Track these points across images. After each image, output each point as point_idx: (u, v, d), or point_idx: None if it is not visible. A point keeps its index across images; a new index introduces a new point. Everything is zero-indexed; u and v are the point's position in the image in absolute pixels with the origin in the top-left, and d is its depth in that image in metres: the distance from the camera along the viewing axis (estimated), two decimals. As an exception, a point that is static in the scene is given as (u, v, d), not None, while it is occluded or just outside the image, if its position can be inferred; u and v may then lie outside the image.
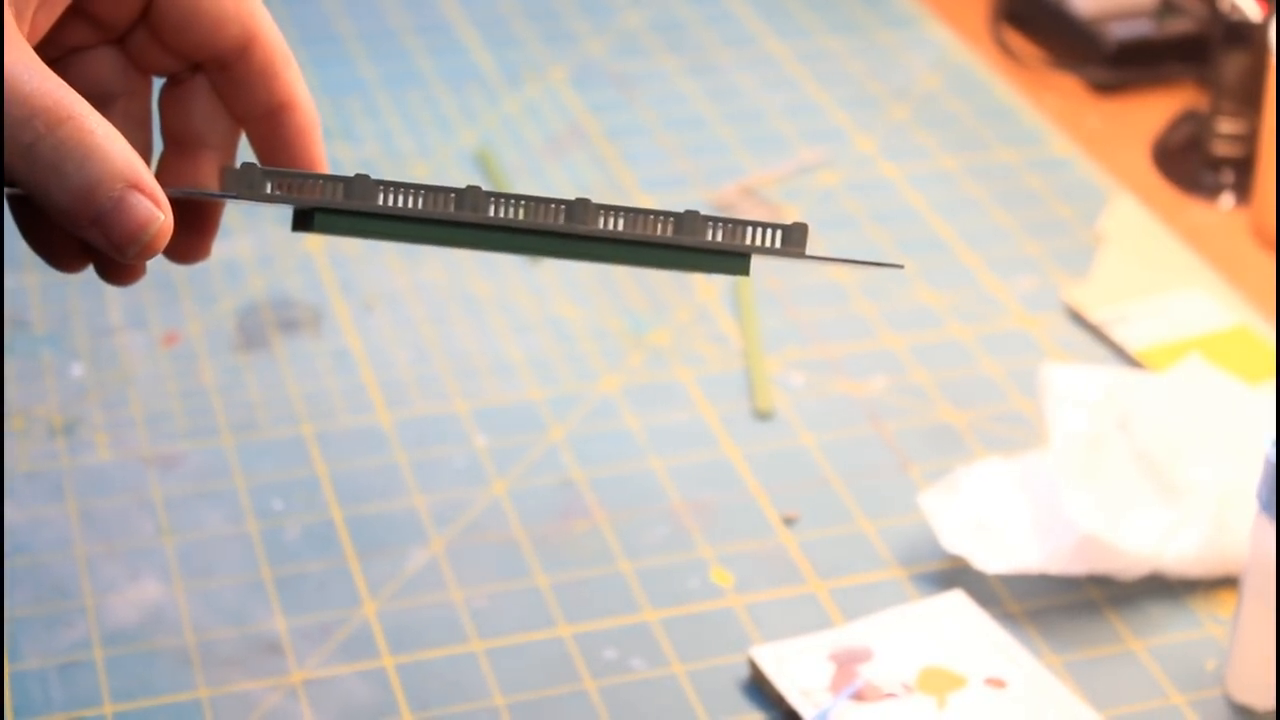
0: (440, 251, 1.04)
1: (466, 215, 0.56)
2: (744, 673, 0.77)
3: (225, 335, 0.97)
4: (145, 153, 0.61)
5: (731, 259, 0.57)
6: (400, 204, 0.55)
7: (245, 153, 0.62)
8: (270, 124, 0.60)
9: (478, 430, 0.90)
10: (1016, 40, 1.24)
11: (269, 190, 0.55)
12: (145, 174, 0.53)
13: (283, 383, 0.93)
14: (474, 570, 0.82)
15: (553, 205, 0.56)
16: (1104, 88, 1.19)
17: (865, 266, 0.59)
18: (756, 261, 0.58)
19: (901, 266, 0.58)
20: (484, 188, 0.55)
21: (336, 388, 0.93)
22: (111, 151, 0.53)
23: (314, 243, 1.04)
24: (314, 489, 0.87)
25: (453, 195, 0.55)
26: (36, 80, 0.52)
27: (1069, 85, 1.20)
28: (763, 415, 0.91)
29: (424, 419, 0.91)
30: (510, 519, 0.85)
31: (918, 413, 0.92)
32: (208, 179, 0.61)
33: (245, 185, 0.55)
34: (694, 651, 0.78)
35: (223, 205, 0.61)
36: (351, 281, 1.01)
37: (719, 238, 0.57)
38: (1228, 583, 0.81)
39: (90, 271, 0.59)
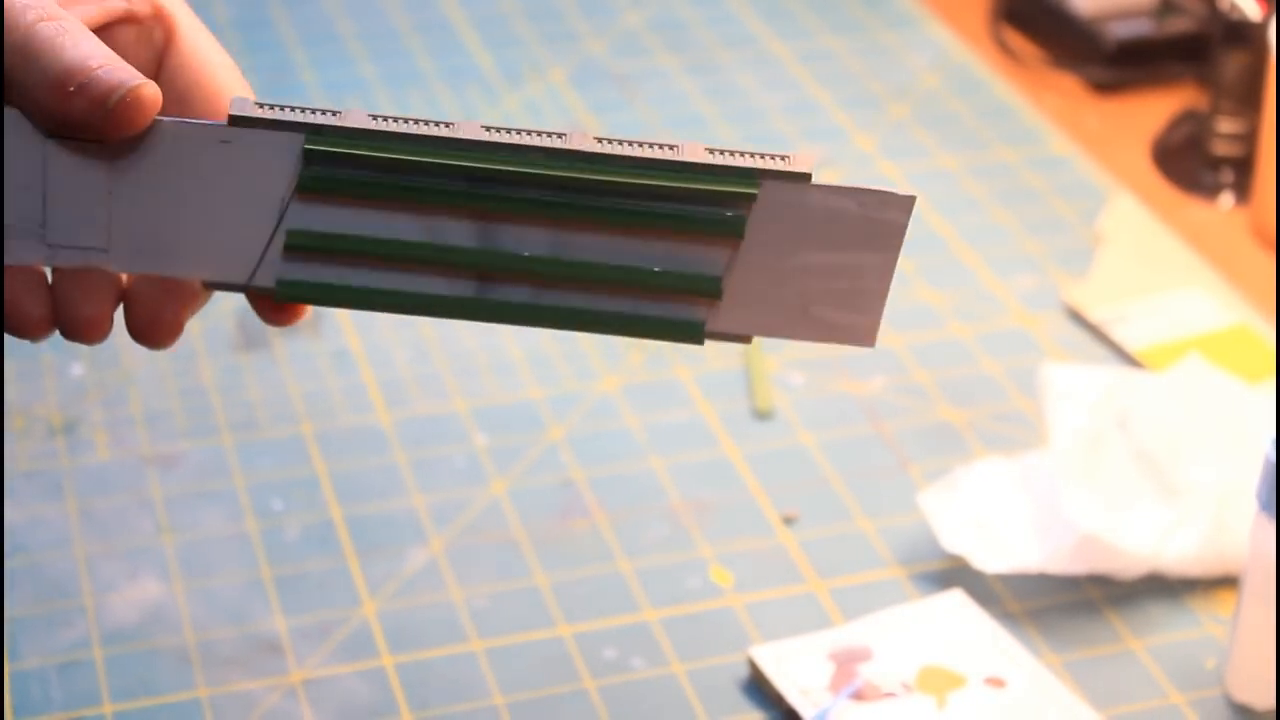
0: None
1: (461, 134, 0.55)
2: (743, 672, 0.77)
3: (225, 334, 0.97)
4: None
5: (739, 178, 0.56)
6: (391, 125, 0.55)
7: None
8: None
9: (477, 430, 0.90)
10: (1016, 40, 1.24)
11: (259, 115, 0.55)
12: (128, 66, 0.55)
13: (282, 382, 0.93)
14: (474, 570, 0.82)
15: (549, 134, 0.55)
16: (1104, 87, 1.19)
17: (871, 193, 0.57)
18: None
19: (913, 198, 0.57)
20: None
21: (336, 387, 0.93)
22: (98, 43, 0.55)
23: (314, 242, 1.04)
24: (314, 488, 0.87)
25: (445, 124, 0.55)
26: None
27: (1069, 85, 1.20)
28: (762, 414, 0.91)
29: (423, 418, 0.91)
30: (510, 518, 0.85)
31: (917, 412, 0.92)
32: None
33: (237, 107, 0.56)
34: (694, 651, 0.78)
35: (200, 299, 0.60)
36: (351, 281, 1.01)
37: (723, 160, 0.56)
38: (1227, 582, 0.81)
39: None
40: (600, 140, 0.55)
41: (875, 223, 0.57)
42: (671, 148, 0.56)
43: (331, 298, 0.57)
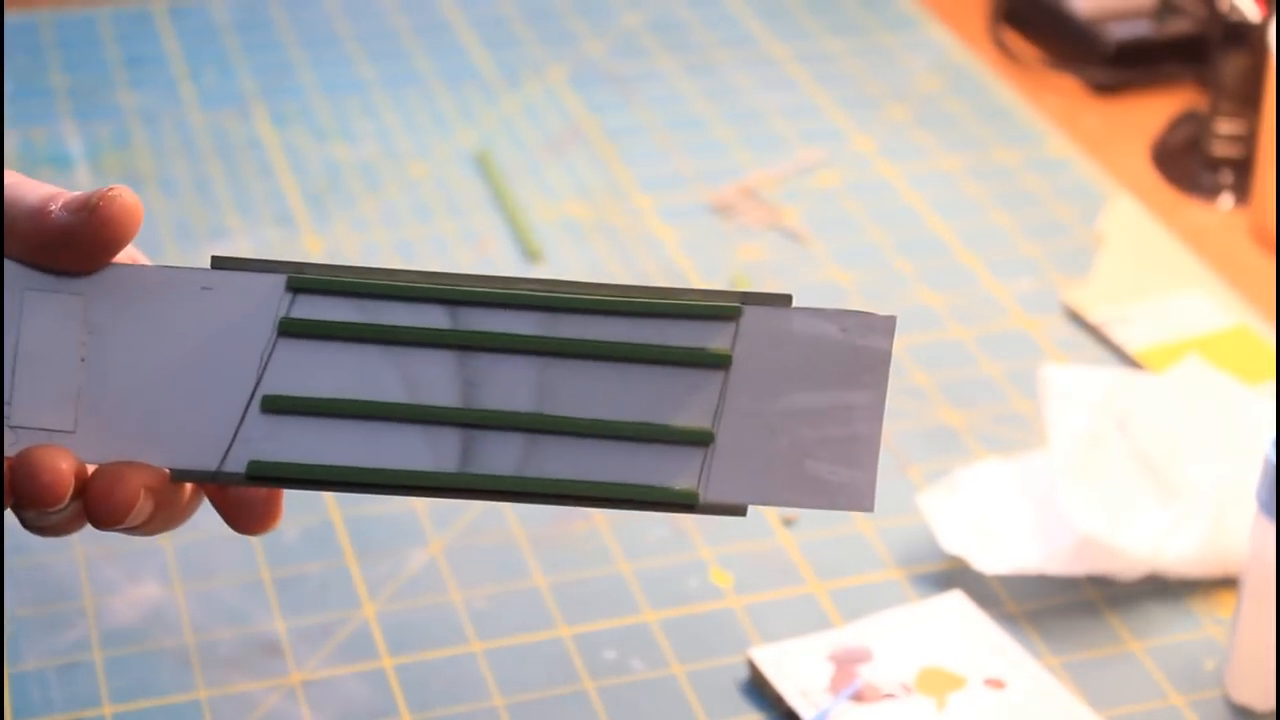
0: (439, 252, 1.04)
1: (434, 271, 0.55)
2: (743, 673, 0.77)
3: (225, 336, 0.96)
4: None
5: (721, 306, 0.55)
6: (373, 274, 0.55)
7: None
8: None
9: (477, 431, 0.90)
10: (1016, 41, 1.24)
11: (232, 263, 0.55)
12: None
13: (282, 383, 0.93)
14: (473, 571, 0.82)
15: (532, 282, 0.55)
16: (1103, 88, 1.19)
17: (853, 315, 0.56)
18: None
19: (894, 318, 0.55)
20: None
21: (336, 388, 0.93)
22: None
23: (314, 245, 1.04)
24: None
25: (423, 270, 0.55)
26: None
27: (1068, 86, 1.20)
28: (762, 416, 0.91)
29: (423, 420, 0.91)
30: (509, 520, 0.85)
31: (917, 413, 0.92)
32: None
33: (216, 262, 0.55)
34: (693, 652, 0.78)
35: (159, 477, 0.58)
36: (351, 282, 1.01)
37: (709, 299, 0.55)
38: (1227, 583, 0.81)
39: None
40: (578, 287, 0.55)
41: (859, 350, 0.56)
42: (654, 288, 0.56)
43: (306, 475, 0.56)
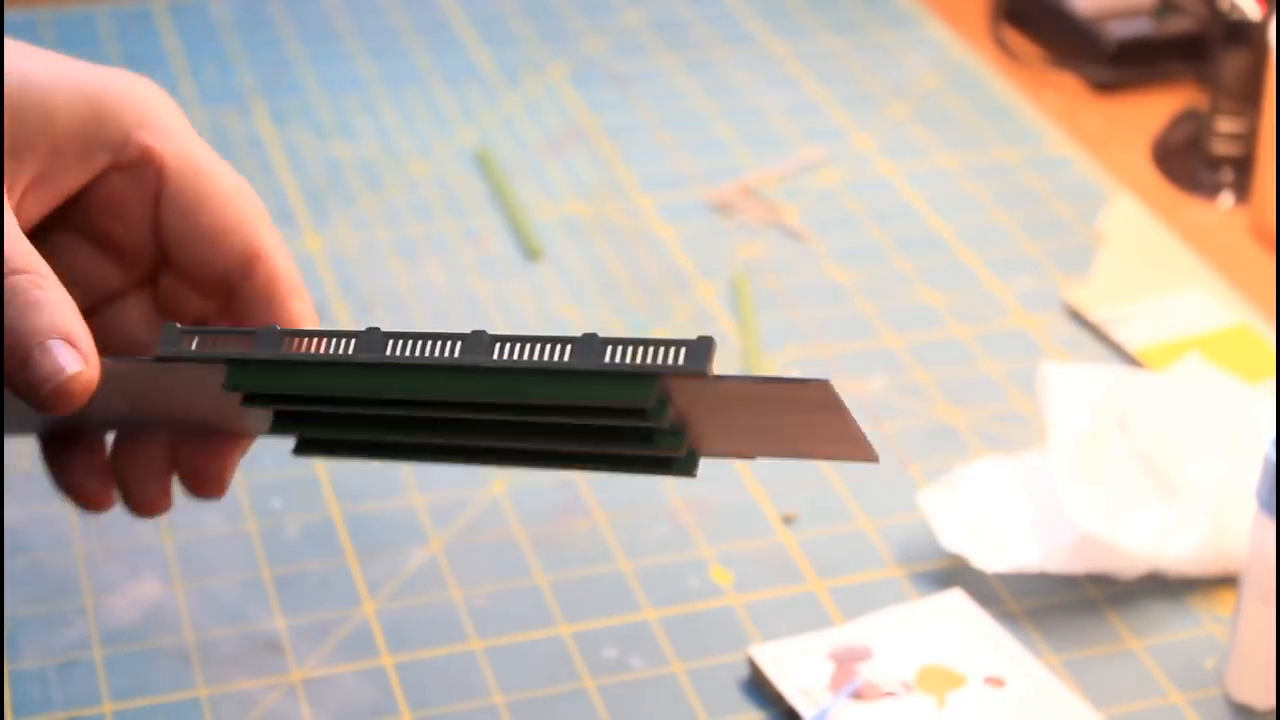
0: (439, 251, 1.04)
1: (364, 356, 0.55)
2: (743, 671, 0.77)
3: (224, 334, 0.96)
4: None
5: (636, 383, 0.53)
6: (300, 347, 0.56)
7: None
8: None
9: (477, 429, 0.90)
10: (1016, 39, 1.24)
11: (180, 348, 0.56)
12: (82, 334, 0.55)
13: (282, 382, 0.93)
14: (473, 569, 0.82)
15: (447, 341, 0.54)
16: (1103, 87, 1.19)
17: (786, 385, 0.53)
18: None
19: (828, 381, 0.53)
20: (383, 329, 0.55)
21: (336, 387, 0.93)
22: (56, 308, 0.55)
23: (314, 243, 1.04)
24: (313, 488, 0.87)
25: (353, 340, 0.55)
26: (9, 234, 0.55)
27: (1068, 84, 1.20)
28: (762, 414, 0.91)
29: (423, 418, 0.91)
30: (509, 518, 0.85)
31: (917, 412, 0.92)
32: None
33: (166, 343, 0.56)
34: (693, 650, 0.78)
35: (241, 447, 0.64)
36: (351, 281, 1.01)
37: (616, 359, 0.53)
38: (1227, 581, 0.81)
39: None
40: (497, 344, 0.54)
41: (799, 397, 0.54)
42: (569, 344, 0.53)
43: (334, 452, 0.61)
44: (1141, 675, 0.77)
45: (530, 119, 1.16)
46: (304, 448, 0.62)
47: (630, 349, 0.52)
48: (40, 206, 0.58)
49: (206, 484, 0.63)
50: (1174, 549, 0.80)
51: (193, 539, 0.84)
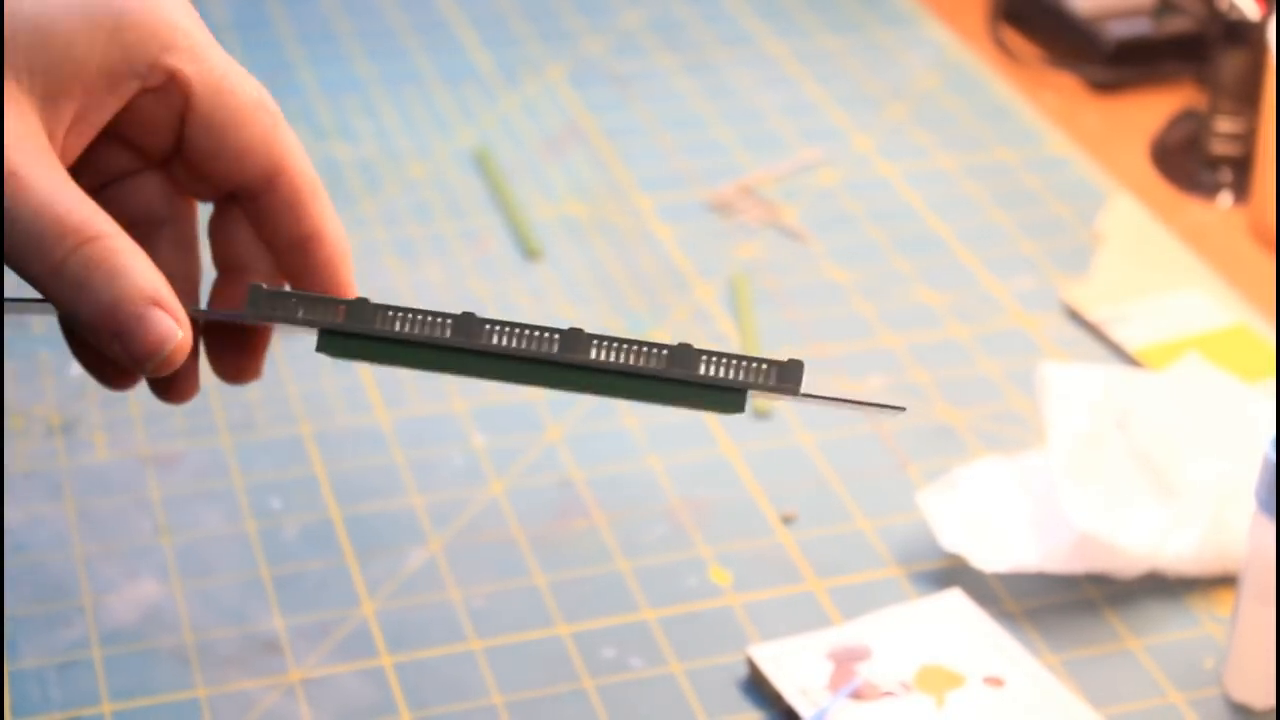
0: (439, 251, 1.04)
1: (461, 341, 0.56)
2: (742, 671, 0.77)
3: (224, 334, 0.97)
4: (193, 276, 0.63)
5: (727, 395, 0.56)
6: (398, 329, 0.57)
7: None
8: (299, 254, 0.62)
9: (476, 430, 0.90)
10: (1015, 39, 1.24)
11: (273, 311, 0.57)
12: (167, 293, 0.55)
13: (281, 382, 0.93)
14: (472, 569, 0.82)
15: (547, 334, 0.56)
16: (1102, 86, 1.19)
17: (864, 407, 0.59)
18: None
19: (903, 409, 0.57)
20: (477, 315, 0.56)
21: (335, 387, 0.93)
22: (135, 270, 0.55)
23: (312, 242, 1.04)
24: (312, 488, 0.87)
25: (450, 321, 0.56)
26: (68, 200, 0.55)
27: (1067, 84, 1.20)
28: (761, 414, 0.91)
29: (422, 418, 0.91)
30: (508, 518, 0.85)
31: (916, 412, 0.91)
32: None
33: (252, 305, 0.57)
34: (692, 650, 0.78)
35: (271, 328, 0.63)
36: (350, 281, 1.01)
37: (712, 372, 0.56)
38: (1226, 581, 0.81)
39: None
40: (595, 344, 0.56)
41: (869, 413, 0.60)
42: (666, 351, 0.56)
43: (370, 354, 0.59)
44: (1140, 675, 0.77)
45: (529, 119, 1.16)
46: (334, 350, 0.60)
47: (725, 363, 0.56)
48: (80, 141, 0.58)
49: (243, 374, 0.63)
50: (1173, 549, 0.80)
51: (192, 539, 0.84)
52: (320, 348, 0.57)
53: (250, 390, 0.93)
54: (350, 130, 1.15)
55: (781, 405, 0.91)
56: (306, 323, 0.57)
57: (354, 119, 1.16)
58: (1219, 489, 0.80)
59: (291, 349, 0.95)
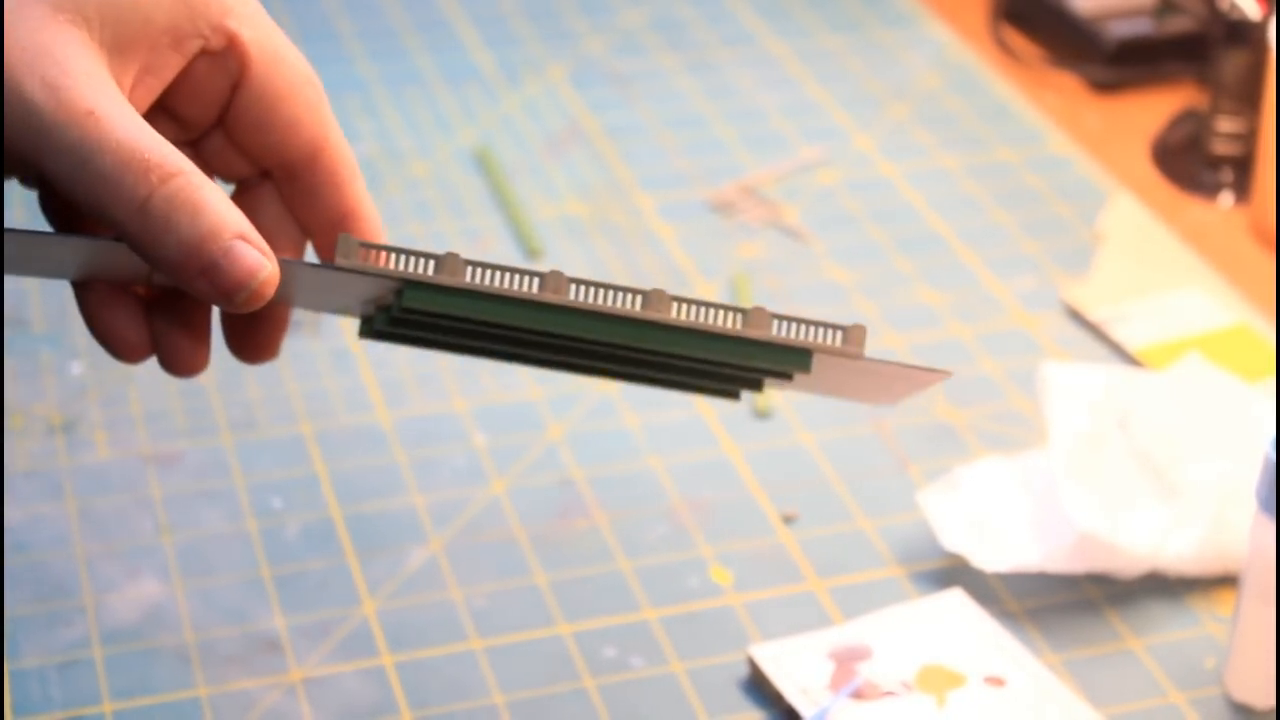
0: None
1: (548, 297, 0.58)
2: (743, 671, 0.77)
3: (224, 334, 0.97)
4: None
5: (794, 355, 0.59)
6: (486, 282, 0.58)
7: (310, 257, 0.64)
8: (334, 234, 0.62)
9: (477, 429, 0.90)
10: (1016, 39, 1.24)
11: (365, 260, 0.57)
12: (251, 228, 0.55)
13: (282, 381, 0.93)
14: (473, 569, 0.82)
15: (630, 293, 0.58)
16: (1103, 86, 1.19)
17: (913, 371, 0.62)
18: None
19: (950, 374, 0.62)
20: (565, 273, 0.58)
21: (336, 387, 0.93)
22: (221, 205, 0.55)
23: (313, 241, 1.04)
24: (313, 488, 0.87)
25: (536, 279, 0.58)
26: (149, 138, 0.54)
27: (1068, 84, 1.20)
28: (762, 414, 0.91)
29: (423, 418, 0.91)
30: (509, 518, 0.85)
31: (917, 411, 0.91)
32: None
33: (343, 254, 0.57)
34: (693, 650, 0.78)
35: (288, 307, 0.64)
36: (351, 280, 1.01)
37: (783, 333, 0.59)
38: (1227, 581, 0.81)
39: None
40: (676, 304, 0.59)
41: (912, 378, 0.64)
42: (741, 313, 0.59)
43: (412, 344, 0.62)
44: (1141, 675, 0.77)
45: (530, 119, 1.16)
46: (377, 337, 0.62)
47: (793, 325, 0.59)
48: (148, 97, 0.58)
49: (261, 352, 0.64)
50: (1174, 548, 0.80)
51: (193, 538, 0.84)
52: (403, 305, 0.58)
53: (251, 389, 0.93)
54: (352, 130, 1.15)
55: (782, 405, 0.92)
56: (398, 276, 0.57)
57: (355, 119, 1.16)
58: (1220, 489, 0.80)
59: (292, 349, 0.95)
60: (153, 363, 0.94)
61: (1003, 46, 1.23)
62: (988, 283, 1.01)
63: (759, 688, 0.76)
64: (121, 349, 0.60)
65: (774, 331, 0.59)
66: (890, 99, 1.19)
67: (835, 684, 0.75)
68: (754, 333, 0.59)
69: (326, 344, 0.96)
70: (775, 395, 0.92)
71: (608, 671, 0.77)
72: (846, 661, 0.76)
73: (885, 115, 1.17)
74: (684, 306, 0.59)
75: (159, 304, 0.61)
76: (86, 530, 0.84)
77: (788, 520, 0.85)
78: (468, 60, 1.23)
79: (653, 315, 0.58)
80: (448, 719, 0.75)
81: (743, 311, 0.59)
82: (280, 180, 0.62)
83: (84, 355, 0.95)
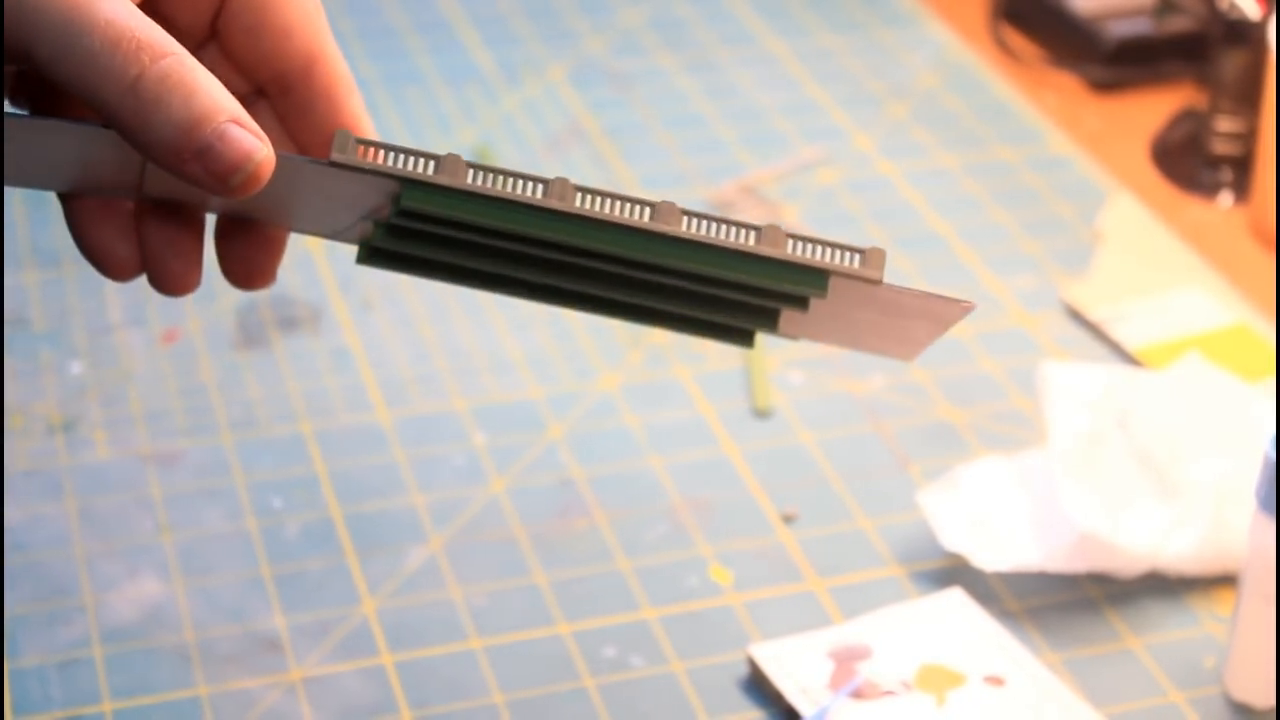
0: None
1: (552, 204, 0.55)
2: (743, 670, 0.77)
3: (225, 333, 0.97)
4: None
5: (808, 275, 0.56)
6: (489, 185, 0.55)
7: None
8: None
9: (477, 428, 0.90)
10: (1015, 38, 1.24)
11: (362, 157, 0.55)
12: (244, 112, 0.53)
13: (282, 381, 0.93)
14: (473, 568, 0.82)
15: (639, 205, 0.56)
16: (1103, 86, 1.19)
17: (935, 300, 0.58)
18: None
19: (973, 306, 0.57)
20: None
21: (336, 386, 0.93)
22: (214, 87, 0.53)
23: (314, 241, 1.04)
24: (313, 487, 0.87)
25: (541, 185, 0.55)
26: (138, 19, 0.52)
27: (1068, 83, 1.20)
28: (762, 413, 0.91)
29: (423, 417, 0.91)
30: (509, 517, 0.85)
31: (917, 411, 0.92)
32: None
33: (339, 150, 0.55)
34: (693, 649, 0.78)
35: (286, 231, 0.61)
36: (351, 279, 1.01)
37: (799, 253, 0.56)
38: (1226, 581, 0.81)
39: (88, 268, 0.59)
40: (686, 217, 0.56)
41: (933, 311, 0.59)
42: (754, 230, 0.56)
43: (410, 269, 0.58)
44: (1141, 674, 0.77)
45: (530, 119, 1.16)
46: (375, 258, 0.59)
47: (810, 245, 0.56)
48: None
49: (257, 277, 0.61)
50: (1173, 548, 0.80)
51: (192, 538, 0.84)
52: (401, 208, 0.55)
53: (251, 388, 0.93)
54: (351, 129, 1.14)
55: (782, 405, 0.92)
56: (396, 175, 0.55)
57: (355, 118, 1.16)
58: (1219, 488, 0.80)
59: (292, 349, 0.95)
60: (153, 363, 0.94)
61: (1002, 46, 1.23)
62: (987, 282, 1.01)
63: (759, 687, 0.76)
64: (110, 265, 0.58)
65: (789, 250, 0.56)
66: (890, 99, 1.19)
67: (835, 683, 0.75)
68: (768, 250, 0.56)
69: (326, 343, 0.96)
70: (776, 395, 0.92)
71: (607, 671, 0.77)
72: (846, 661, 0.76)
73: (885, 115, 1.17)
74: (695, 220, 0.56)
75: (149, 219, 0.59)
76: (86, 530, 0.84)
77: (788, 520, 0.85)
78: (468, 60, 1.23)
79: (662, 227, 0.55)
80: (447, 718, 0.75)
81: (756, 229, 0.56)
82: (275, 96, 0.60)
83: (84, 354, 0.95)
